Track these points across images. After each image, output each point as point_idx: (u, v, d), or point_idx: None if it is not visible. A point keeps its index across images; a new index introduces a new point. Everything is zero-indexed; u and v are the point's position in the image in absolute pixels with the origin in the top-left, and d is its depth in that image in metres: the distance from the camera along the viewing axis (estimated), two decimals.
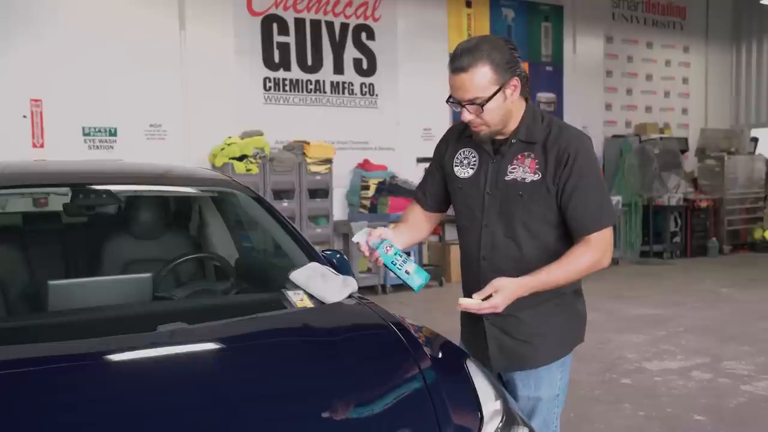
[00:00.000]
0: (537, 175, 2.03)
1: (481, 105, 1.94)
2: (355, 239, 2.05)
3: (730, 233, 10.92)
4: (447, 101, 2.05)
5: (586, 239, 2.03)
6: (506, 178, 2.07)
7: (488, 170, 2.10)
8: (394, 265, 2.02)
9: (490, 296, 1.93)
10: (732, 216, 10.91)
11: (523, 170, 2.05)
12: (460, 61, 1.93)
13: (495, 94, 1.94)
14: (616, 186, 10.10)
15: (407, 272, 2.03)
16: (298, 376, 1.87)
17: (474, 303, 1.94)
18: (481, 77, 1.92)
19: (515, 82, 1.97)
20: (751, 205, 11.14)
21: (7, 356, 1.78)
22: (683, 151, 10.58)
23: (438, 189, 2.28)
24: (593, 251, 2.02)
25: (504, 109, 1.99)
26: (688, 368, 4.79)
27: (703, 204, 10.65)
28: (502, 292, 1.92)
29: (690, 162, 11.12)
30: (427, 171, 2.33)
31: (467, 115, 1.98)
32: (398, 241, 2.12)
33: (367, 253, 2.07)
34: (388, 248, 2.02)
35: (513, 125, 2.06)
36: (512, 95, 1.98)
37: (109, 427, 1.52)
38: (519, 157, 2.06)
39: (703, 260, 10.20)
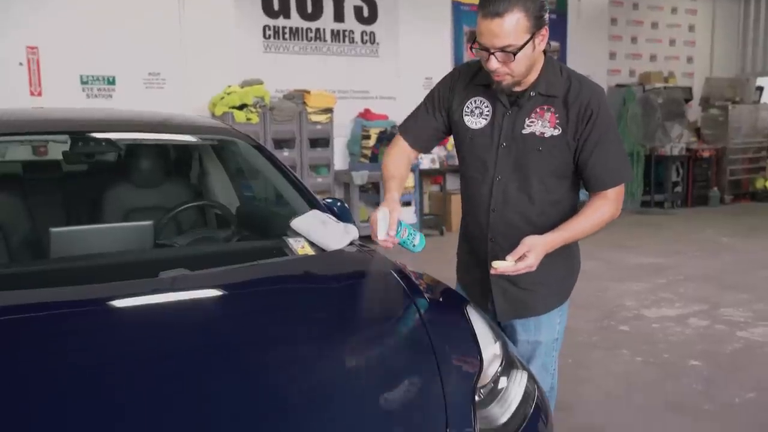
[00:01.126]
0: (557, 130, 2.01)
1: (514, 53, 1.88)
2: (380, 237, 2.01)
3: (732, 183, 10.90)
4: (470, 48, 1.98)
5: (603, 194, 2.04)
6: (524, 132, 2.04)
7: (503, 122, 2.06)
8: (405, 243, 2.10)
9: (523, 256, 1.92)
10: (734, 165, 10.87)
11: (542, 124, 2.02)
12: (495, 6, 1.84)
13: (527, 42, 1.88)
14: None
15: (414, 244, 2.12)
16: (299, 322, 1.88)
17: (509, 265, 1.93)
18: (516, 24, 1.85)
19: (544, 32, 1.92)
20: (754, 154, 11.09)
21: (10, 301, 1.80)
22: (687, 101, 10.47)
23: (434, 132, 2.23)
24: (609, 206, 2.04)
25: (530, 59, 1.94)
26: (686, 315, 4.84)
27: (706, 154, 10.60)
28: (535, 251, 1.92)
29: (694, 111, 11.02)
30: (421, 110, 2.24)
31: (495, 63, 1.92)
32: (398, 199, 2.12)
33: (390, 245, 2.06)
34: (404, 232, 2.07)
35: (532, 77, 2.01)
36: (540, 45, 1.93)
37: (113, 369, 1.54)
38: (538, 110, 2.03)
39: (704, 210, 10.21)
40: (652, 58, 11.14)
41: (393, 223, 2.01)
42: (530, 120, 2.03)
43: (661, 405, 3.34)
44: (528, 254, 1.92)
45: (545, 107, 2.02)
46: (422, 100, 2.26)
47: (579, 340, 4.26)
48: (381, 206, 2.05)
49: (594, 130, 1.99)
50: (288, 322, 1.87)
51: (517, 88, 2.02)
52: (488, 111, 2.10)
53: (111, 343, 1.66)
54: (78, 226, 2.63)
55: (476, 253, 2.23)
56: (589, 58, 9.99)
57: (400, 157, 2.24)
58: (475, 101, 2.12)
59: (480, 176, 2.14)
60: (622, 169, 2.07)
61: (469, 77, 2.15)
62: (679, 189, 10.50)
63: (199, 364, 1.59)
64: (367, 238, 2.22)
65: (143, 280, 1.95)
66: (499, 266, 1.94)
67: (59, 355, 1.58)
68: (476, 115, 2.11)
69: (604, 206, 2.04)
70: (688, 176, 10.50)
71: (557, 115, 2.01)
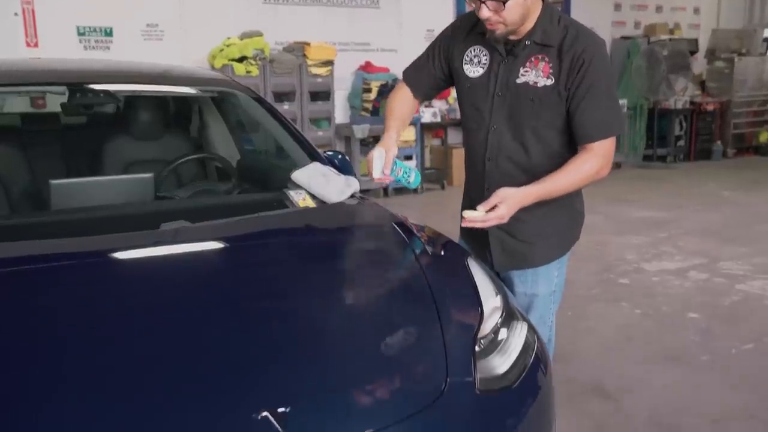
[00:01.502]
0: (550, 80, 1.97)
1: (503, 2, 1.85)
2: (376, 175, 2.04)
3: (736, 137, 10.82)
4: None
5: (590, 147, 1.99)
6: (518, 81, 2.01)
7: (499, 71, 2.04)
8: (401, 180, 2.12)
9: (494, 207, 1.91)
10: (738, 119, 10.77)
11: (536, 74, 1.99)
12: None
13: None
14: (622, 89, 9.93)
15: (409, 182, 2.14)
16: (301, 274, 1.89)
17: (479, 215, 1.92)
18: None
19: None
20: (759, 107, 10.97)
21: (12, 253, 1.80)
22: (693, 53, 10.32)
23: (434, 81, 2.22)
24: (595, 160, 1.98)
25: (524, 7, 1.90)
26: (686, 269, 4.87)
27: (710, 107, 10.49)
28: (507, 203, 1.91)
29: (699, 64, 10.87)
30: (423, 58, 2.24)
31: (486, 12, 1.89)
32: (395, 139, 2.12)
33: (386, 182, 2.09)
34: (399, 171, 2.09)
35: (529, 25, 1.97)
36: None
37: (115, 320, 1.55)
38: (532, 59, 1.99)
39: (706, 164, 10.17)
40: (658, 9, 10.94)
41: (388, 162, 2.03)
42: (524, 69, 2.00)
43: (659, 356, 3.38)
44: (500, 205, 1.90)
45: (540, 56, 1.99)
46: (425, 49, 2.25)
47: (579, 292, 4.29)
48: (378, 145, 2.06)
49: (585, 80, 1.94)
50: (290, 274, 1.88)
51: (513, 37, 1.99)
52: (486, 60, 2.07)
53: (113, 293, 1.67)
54: (78, 179, 2.62)
55: (476, 203, 2.23)
56: (594, 10, 9.80)
57: (403, 100, 2.25)
58: (474, 50, 2.10)
59: (476, 125, 2.13)
60: (612, 122, 2.00)
61: (470, 26, 2.12)
62: (681, 143, 10.44)
63: (202, 315, 1.60)
64: (367, 193, 2.22)
65: (145, 232, 1.95)
66: (468, 216, 1.93)
67: (61, 306, 1.59)
68: (474, 64, 2.10)
69: (590, 161, 1.98)
70: (692, 130, 10.42)
71: (551, 65, 1.97)
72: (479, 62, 2.08)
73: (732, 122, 10.68)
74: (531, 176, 2.04)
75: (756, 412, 2.84)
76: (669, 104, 10.08)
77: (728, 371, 3.22)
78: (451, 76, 2.19)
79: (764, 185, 8.26)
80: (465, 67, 2.11)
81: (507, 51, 2.03)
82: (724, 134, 10.72)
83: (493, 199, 1.91)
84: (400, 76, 2.32)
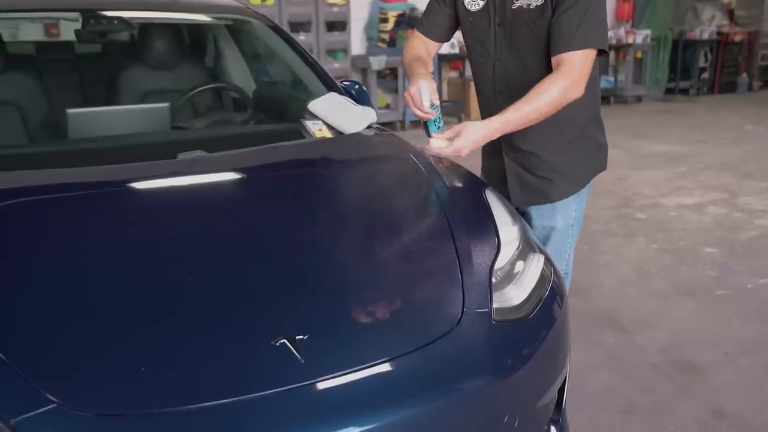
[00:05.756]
0: (541, 0, 1.93)
1: None
2: (426, 104, 1.92)
3: (762, 68, 10.55)
4: None
5: (558, 64, 1.90)
6: (513, 7, 1.98)
7: (496, 1, 2.01)
8: (433, 122, 1.99)
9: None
10: (766, 50, 10.46)
11: None
12: None
13: None
14: (647, 19, 9.64)
15: (439, 126, 2.01)
16: (319, 204, 1.90)
17: (441, 145, 1.91)
18: None
19: None
20: None
21: (30, 181, 1.82)
22: None
23: (445, 21, 2.18)
24: (562, 79, 1.87)
25: None
26: (704, 203, 4.83)
27: (737, 38, 10.19)
28: (465, 136, 1.87)
29: None
30: (431, 3, 2.21)
31: None
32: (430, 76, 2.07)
33: (430, 117, 1.97)
34: (438, 110, 2.00)
35: None
36: None
37: (135, 248, 1.57)
38: None
39: (730, 97, 9.95)
40: None
41: (434, 92, 1.94)
42: None
43: (674, 291, 3.39)
44: (457, 138, 1.88)
45: None
46: None
47: (596, 227, 4.28)
48: (415, 80, 1.97)
49: None
50: (308, 204, 1.88)
51: None
52: None
53: (131, 223, 1.68)
54: (94, 108, 2.61)
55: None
56: None
57: (419, 46, 2.20)
58: None
59: (483, 60, 2.11)
60: (581, 32, 1.87)
61: None
62: (706, 75, 10.20)
63: (220, 244, 1.61)
64: (385, 125, 2.18)
65: (162, 162, 1.95)
66: (431, 143, 1.93)
67: (80, 235, 1.61)
68: None
69: (556, 81, 1.87)
70: (717, 62, 10.16)
71: None
72: None
73: (760, 53, 10.39)
74: None
75: (767, 344, 2.86)
76: (694, 34, 9.80)
77: (743, 305, 3.23)
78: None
79: None
80: (466, 2, 2.09)
81: None
82: (751, 66, 10.45)
83: (454, 128, 1.91)
84: (418, 5, 2.28)
